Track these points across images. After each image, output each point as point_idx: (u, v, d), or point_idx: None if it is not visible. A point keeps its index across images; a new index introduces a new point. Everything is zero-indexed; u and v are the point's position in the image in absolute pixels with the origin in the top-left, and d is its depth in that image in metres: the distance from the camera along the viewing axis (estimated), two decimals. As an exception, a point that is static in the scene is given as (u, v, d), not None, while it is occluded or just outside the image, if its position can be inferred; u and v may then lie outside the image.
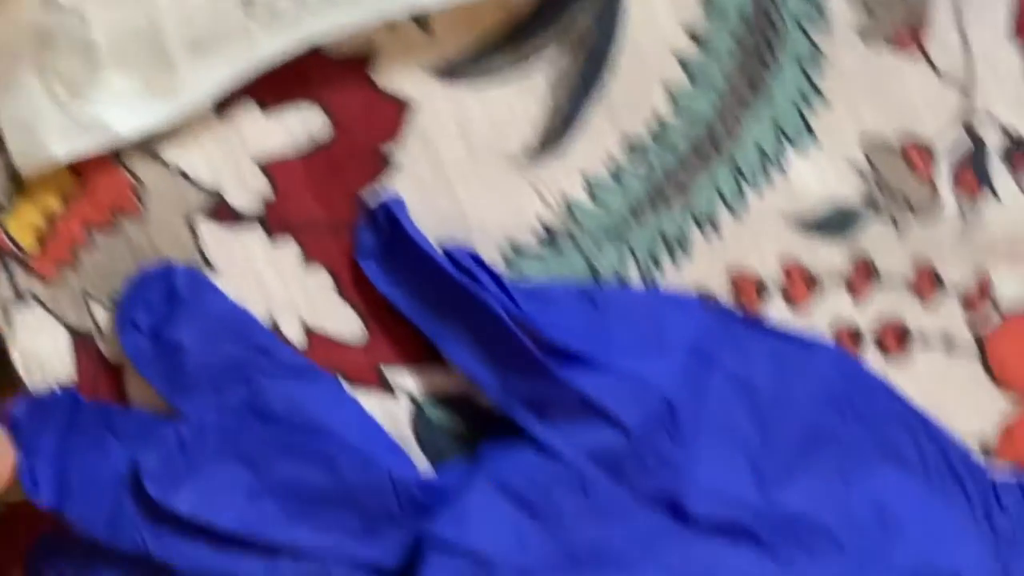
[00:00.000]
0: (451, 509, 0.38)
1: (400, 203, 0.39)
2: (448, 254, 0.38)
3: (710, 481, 0.40)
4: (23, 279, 0.38)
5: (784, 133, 0.41)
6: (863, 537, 0.41)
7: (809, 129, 0.41)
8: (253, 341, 0.38)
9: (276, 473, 0.38)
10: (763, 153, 0.41)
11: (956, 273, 0.42)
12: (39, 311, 0.38)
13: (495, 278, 0.38)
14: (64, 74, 0.36)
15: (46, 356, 0.38)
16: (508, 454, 0.38)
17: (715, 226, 0.41)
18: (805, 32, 0.40)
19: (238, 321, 0.38)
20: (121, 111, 0.37)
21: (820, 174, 0.41)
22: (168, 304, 0.37)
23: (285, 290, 0.39)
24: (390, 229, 0.38)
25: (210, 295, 0.38)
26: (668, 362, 0.39)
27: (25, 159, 0.36)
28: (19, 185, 0.37)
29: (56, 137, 0.36)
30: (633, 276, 0.40)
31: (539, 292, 0.39)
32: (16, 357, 0.38)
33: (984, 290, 0.42)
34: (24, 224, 0.37)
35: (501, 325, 0.37)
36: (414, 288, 0.39)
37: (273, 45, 0.37)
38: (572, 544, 0.39)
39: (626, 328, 0.40)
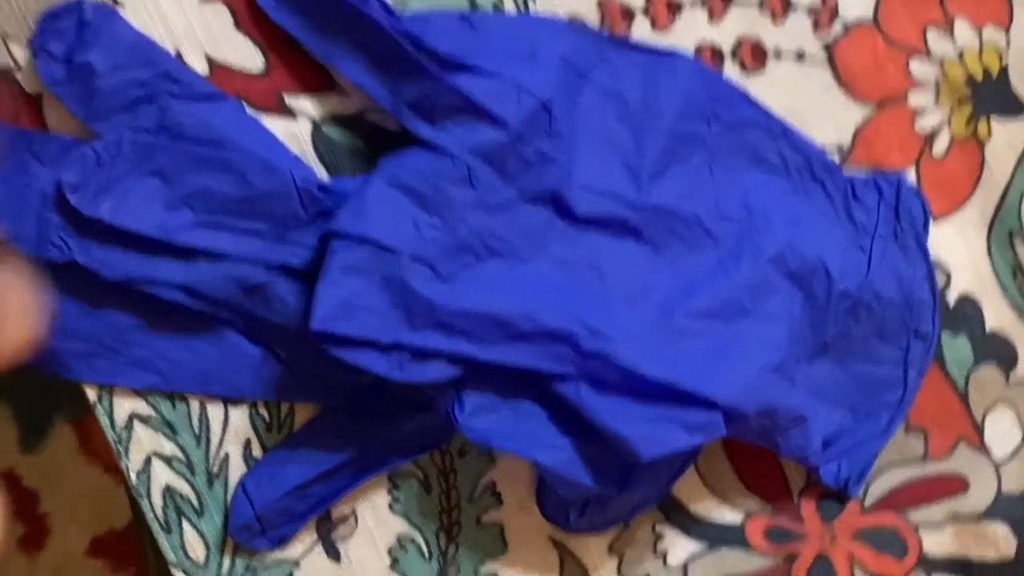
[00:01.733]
0: (351, 205, 0.41)
1: None
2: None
3: (589, 179, 0.43)
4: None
5: None
6: (732, 228, 0.45)
7: None
8: (161, 67, 0.41)
9: (189, 184, 0.41)
10: None
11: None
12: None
13: (381, 3, 0.42)
14: None
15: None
16: (401, 156, 0.42)
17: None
18: None
19: (146, 48, 0.41)
20: None
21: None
22: (79, 33, 0.41)
23: (187, 24, 0.42)
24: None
25: (118, 24, 0.41)
26: (542, 71, 0.43)
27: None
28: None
29: None
30: (509, 6, 0.44)
31: (420, 16, 0.43)
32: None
33: (831, 8, 0.47)
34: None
35: (388, 38, 0.41)
36: (306, 16, 0.42)
37: None
38: (463, 233, 0.42)
39: (501, 44, 0.43)
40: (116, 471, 1.17)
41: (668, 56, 0.45)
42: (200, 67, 0.43)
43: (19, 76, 0.42)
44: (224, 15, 0.43)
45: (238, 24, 0.43)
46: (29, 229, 0.41)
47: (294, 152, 0.43)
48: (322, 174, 0.44)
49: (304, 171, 0.43)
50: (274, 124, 0.43)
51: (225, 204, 0.41)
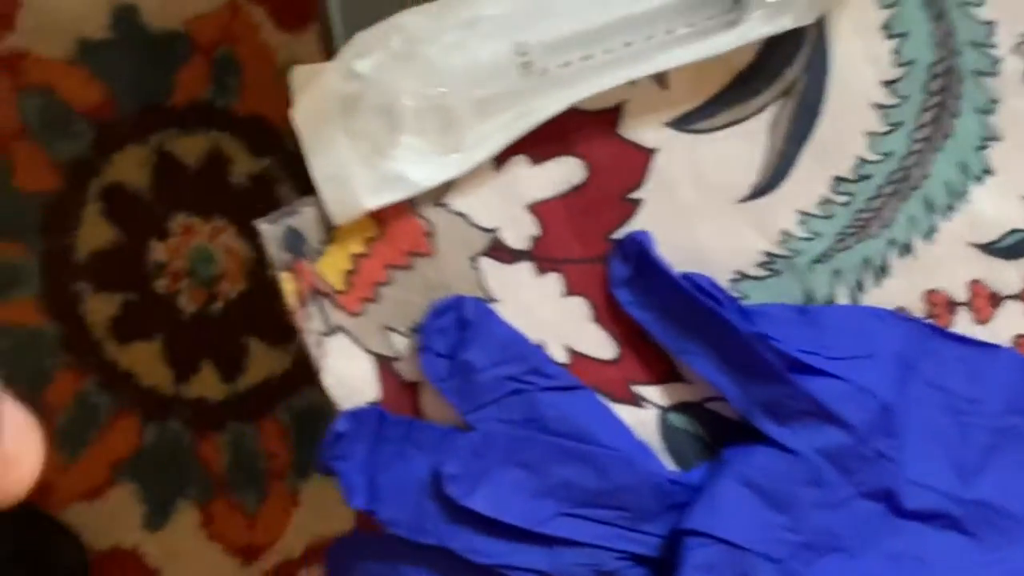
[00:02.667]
0: (704, 503, 0.43)
1: (647, 236, 0.45)
2: (689, 280, 0.44)
3: (918, 474, 0.45)
4: (333, 315, 0.44)
5: (967, 169, 0.47)
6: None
7: (988, 166, 0.47)
8: (530, 362, 0.44)
9: (553, 475, 0.43)
10: (949, 187, 0.47)
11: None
12: (347, 341, 0.44)
13: (730, 299, 0.44)
14: (369, 135, 0.43)
15: (354, 380, 0.44)
16: (749, 453, 0.44)
17: (910, 251, 0.47)
18: (981, 82, 0.47)
19: (518, 344, 0.44)
20: (417, 166, 0.43)
21: (999, 204, 0.47)
22: (460, 330, 0.43)
23: (551, 317, 0.45)
24: (638, 260, 0.44)
25: (494, 322, 0.44)
26: (882, 370, 0.45)
27: (338, 210, 0.43)
28: (329, 233, 0.43)
29: (365, 190, 0.43)
30: (841, 297, 0.47)
31: (764, 311, 0.45)
32: (328, 382, 0.44)
33: None
34: (334, 266, 0.43)
35: (741, 340, 0.43)
36: (661, 311, 0.45)
37: (546, 106, 0.43)
38: (807, 531, 0.44)
39: (840, 339, 0.46)
40: (237, 553, 1.21)
41: (990, 348, 0.47)
42: (560, 357, 0.45)
43: (399, 365, 0.44)
44: (584, 308, 0.45)
45: (597, 317, 0.45)
46: (406, 514, 0.43)
47: (642, 440, 0.45)
48: (666, 459, 0.46)
49: (655, 463, 0.45)
50: (623, 411, 0.45)
51: (585, 495, 0.44)
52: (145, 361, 1.20)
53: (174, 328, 1.19)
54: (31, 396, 1.17)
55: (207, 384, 1.20)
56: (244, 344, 1.19)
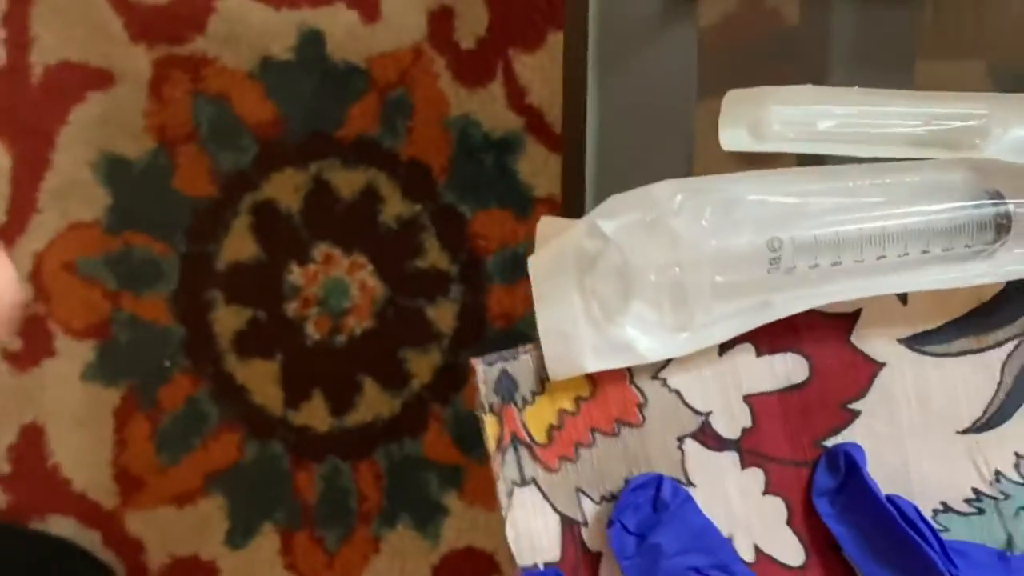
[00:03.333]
0: None
1: (861, 451, 0.43)
2: (895, 504, 0.43)
3: None
4: (529, 466, 0.43)
5: None
6: None
7: None
8: (718, 557, 0.43)
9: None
10: None
11: None
12: (537, 496, 0.43)
13: (934, 533, 0.43)
14: (601, 297, 0.42)
15: (537, 537, 0.43)
16: None
17: None
18: None
19: (709, 535, 0.43)
20: (644, 338, 0.42)
21: None
22: (654, 509, 0.42)
23: (745, 511, 0.44)
24: (847, 474, 0.43)
25: (689, 509, 0.43)
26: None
27: (557, 366, 0.42)
28: (543, 385, 0.43)
29: (588, 351, 0.42)
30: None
31: (965, 550, 0.44)
32: (510, 532, 0.43)
33: None
34: (540, 418, 0.43)
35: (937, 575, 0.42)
36: (859, 529, 0.43)
37: (786, 304, 0.42)
38: None
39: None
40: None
41: None
42: (747, 554, 0.44)
43: (585, 532, 0.43)
44: (781, 509, 0.44)
45: (791, 520, 0.44)
46: None
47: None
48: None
49: None
50: (801, 625, 0.44)
51: None
52: (260, 379, 1.20)
53: (295, 352, 1.20)
54: (145, 392, 1.18)
55: (315, 413, 1.20)
56: (358, 382, 1.19)
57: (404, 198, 1.19)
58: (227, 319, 1.20)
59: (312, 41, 1.19)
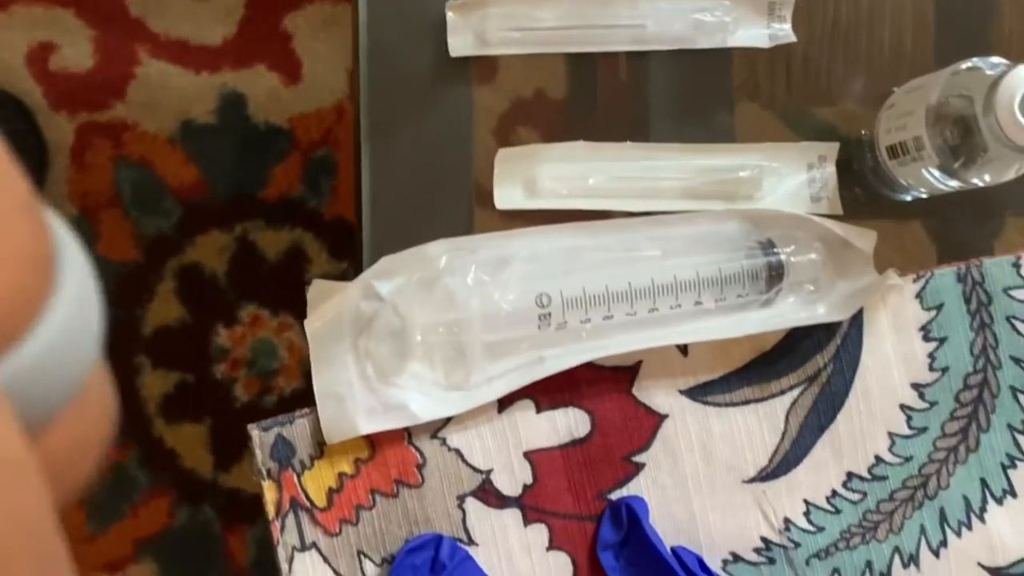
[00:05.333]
0: None
1: (643, 504, 0.43)
2: (677, 556, 0.43)
3: None
4: (310, 530, 0.43)
5: (989, 487, 0.45)
6: None
7: (1012, 487, 0.45)
8: (497, 618, 0.43)
9: None
10: (968, 502, 0.45)
11: None
12: (318, 559, 0.43)
13: (717, 585, 0.43)
14: (377, 358, 0.42)
15: (318, 600, 0.43)
16: None
17: (916, 562, 0.45)
18: (1019, 401, 0.45)
19: (488, 597, 0.43)
20: (421, 398, 0.42)
21: (1017, 528, 0.45)
22: (431, 572, 0.42)
23: (530, 568, 0.44)
24: (630, 528, 0.43)
25: (469, 568, 0.43)
26: None
27: (333, 429, 0.42)
28: (321, 448, 0.43)
29: (362, 413, 0.42)
30: (839, 597, 0.45)
31: (752, 602, 0.44)
32: (292, 596, 0.43)
33: None
34: (319, 482, 0.43)
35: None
36: (644, 584, 0.43)
37: (559, 359, 0.42)
38: None
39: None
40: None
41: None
42: (533, 611, 0.44)
43: (366, 595, 0.43)
44: (566, 564, 0.44)
45: (576, 574, 0.44)
46: None
47: None
48: None
49: None
50: None
51: None
52: (189, 443, 1.20)
53: (224, 415, 1.20)
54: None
55: (246, 476, 1.20)
56: (289, 442, 1.19)
57: (331, 257, 1.20)
58: (154, 383, 1.20)
59: (233, 104, 1.20)
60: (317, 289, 0.43)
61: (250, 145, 1.21)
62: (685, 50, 0.45)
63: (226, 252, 1.20)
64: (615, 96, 0.45)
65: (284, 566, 0.43)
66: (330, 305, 0.43)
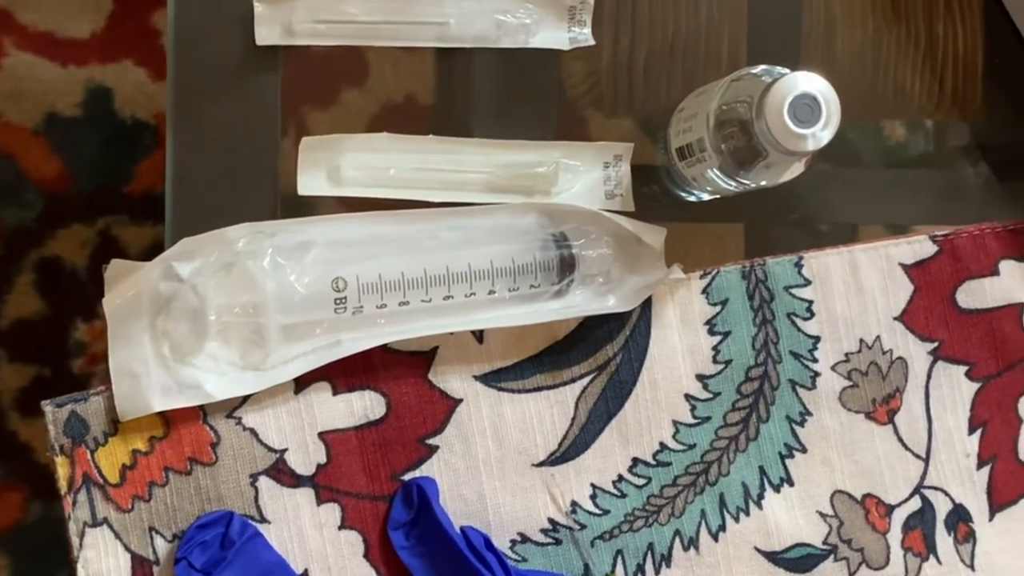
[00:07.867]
0: None
1: (433, 485, 0.45)
2: (465, 535, 0.44)
3: None
4: (101, 506, 0.43)
5: (767, 475, 0.47)
6: None
7: (788, 475, 0.47)
8: (285, 592, 0.44)
9: None
10: (746, 489, 0.47)
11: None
12: (109, 535, 0.43)
13: (502, 562, 0.44)
14: (174, 338, 0.43)
15: (107, 575, 0.44)
16: None
17: (696, 546, 0.47)
18: (797, 393, 0.47)
19: (276, 572, 0.44)
20: (216, 378, 0.43)
21: (792, 514, 0.47)
22: (221, 547, 0.43)
23: (321, 546, 0.45)
24: (419, 508, 0.44)
25: (258, 546, 0.43)
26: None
27: (126, 406, 0.43)
28: (115, 426, 0.43)
29: (157, 392, 0.43)
30: (619, 573, 0.46)
31: (534, 574, 0.45)
32: (81, 573, 0.43)
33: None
34: (113, 459, 0.43)
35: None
36: (431, 561, 0.44)
37: (355, 342, 0.43)
38: None
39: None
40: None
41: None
42: (324, 588, 0.45)
43: (155, 570, 0.44)
44: (358, 543, 0.45)
45: (368, 553, 0.45)
46: None
47: None
48: None
49: None
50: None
51: None
52: (44, 437, 1.19)
53: (81, 410, 1.19)
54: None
55: (102, 472, 1.19)
56: (148, 439, 1.18)
57: (195, 254, 1.19)
58: (10, 377, 1.18)
59: (100, 97, 1.19)
60: (116, 268, 0.44)
61: (115, 139, 1.20)
62: (511, 49, 0.47)
63: (88, 246, 1.19)
64: (436, 92, 0.47)
65: (75, 540, 0.44)
66: (129, 284, 0.43)
